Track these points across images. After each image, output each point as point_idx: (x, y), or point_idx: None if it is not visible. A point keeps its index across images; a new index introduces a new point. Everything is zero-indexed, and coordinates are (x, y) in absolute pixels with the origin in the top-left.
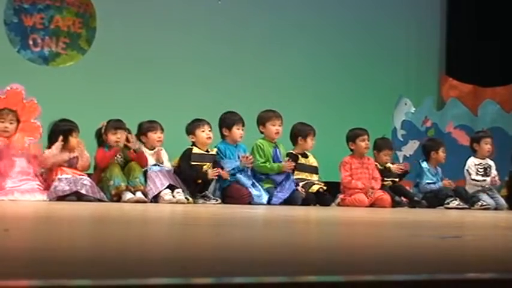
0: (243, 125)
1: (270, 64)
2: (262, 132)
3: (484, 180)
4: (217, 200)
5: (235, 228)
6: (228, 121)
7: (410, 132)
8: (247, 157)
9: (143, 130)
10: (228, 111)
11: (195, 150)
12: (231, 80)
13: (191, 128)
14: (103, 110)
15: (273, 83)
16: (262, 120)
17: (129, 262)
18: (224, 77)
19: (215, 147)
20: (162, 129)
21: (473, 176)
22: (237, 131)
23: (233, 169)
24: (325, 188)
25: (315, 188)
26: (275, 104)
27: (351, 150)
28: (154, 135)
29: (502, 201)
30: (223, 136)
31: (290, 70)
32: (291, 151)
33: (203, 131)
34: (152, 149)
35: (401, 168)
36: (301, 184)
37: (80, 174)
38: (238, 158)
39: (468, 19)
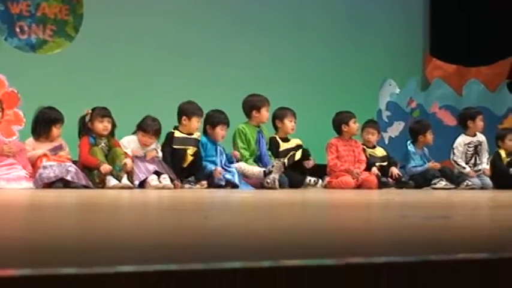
0: (228, 127)
1: (254, 48)
2: (249, 117)
3: (464, 168)
4: (203, 185)
5: (222, 212)
6: (213, 119)
7: (396, 114)
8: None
9: (142, 127)
10: (216, 109)
11: (177, 134)
12: (217, 66)
13: (188, 110)
14: (91, 97)
15: (257, 67)
16: (254, 106)
17: (118, 249)
18: (210, 62)
19: None
20: (156, 134)
21: (456, 158)
22: (220, 132)
23: (210, 172)
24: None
25: (298, 155)
26: (259, 87)
27: (340, 132)
28: (143, 138)
29: (488, 180)
30: (206, 132)
31: (274, 53)
32: (274, 135)
33: (198, 122)
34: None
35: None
36: (285, 160)
37: (64, 161)
38: (215, 154)
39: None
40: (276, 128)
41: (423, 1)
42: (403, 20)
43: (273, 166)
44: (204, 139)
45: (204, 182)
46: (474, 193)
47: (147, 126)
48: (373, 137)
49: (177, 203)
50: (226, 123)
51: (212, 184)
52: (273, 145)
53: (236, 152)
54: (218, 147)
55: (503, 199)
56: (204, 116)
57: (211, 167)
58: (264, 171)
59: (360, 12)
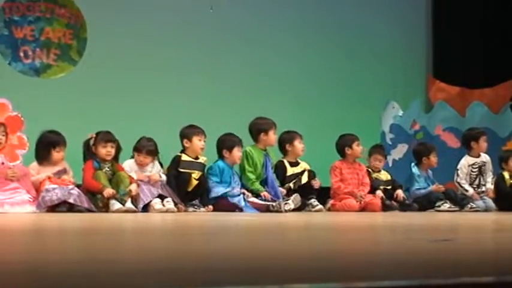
0: (242, 147)
1: (258, 70)
2: (256, 141)
3: (467, 191)
4: (209, 209)
5: (225, 236)
6: (229, 143)
7: (399, 136)
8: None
9: (137, 147)
10: (227, 133)
11: (184, 157)
12: (221, 88)
13: (188, 133)
14: (95, 121)
15: (261, 89)
16: (262, 129)
17: (120, 274)
18: (214, 85)
19: (214, 163)
20: (150, 153)
21: (460, 180)
22: (237, 154)
23: (222, 194)
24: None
25: (304, 178)
26: (262, 111)
27: (344, 155)
28: (138, 158)
29: (491, 202)
30: (222, 157)
31: (278, 76)
32: (282, 159)
33: (200, 140)
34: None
35: (403, 197)
36: (291, 185)
37: (67, 185)
38: (230, 181)
39: (453, 21)
40: (284, 151)
41: (426, 23)
42: (406, 42)
43: (289, 197)
44: (221, 164)
45: (210, 206)
46: (478, 215)
47: (141, 147)
48: (380, 164)
49: (181, 226)
50: (241, 144)
51: (221, 205)
52: (280, 169)
53: (246, 191)
54: (232, 174)
55: (507, 221)
56: (216, 141)
57: (217, 189)
58: (273, 202)
59: (362, 34)
